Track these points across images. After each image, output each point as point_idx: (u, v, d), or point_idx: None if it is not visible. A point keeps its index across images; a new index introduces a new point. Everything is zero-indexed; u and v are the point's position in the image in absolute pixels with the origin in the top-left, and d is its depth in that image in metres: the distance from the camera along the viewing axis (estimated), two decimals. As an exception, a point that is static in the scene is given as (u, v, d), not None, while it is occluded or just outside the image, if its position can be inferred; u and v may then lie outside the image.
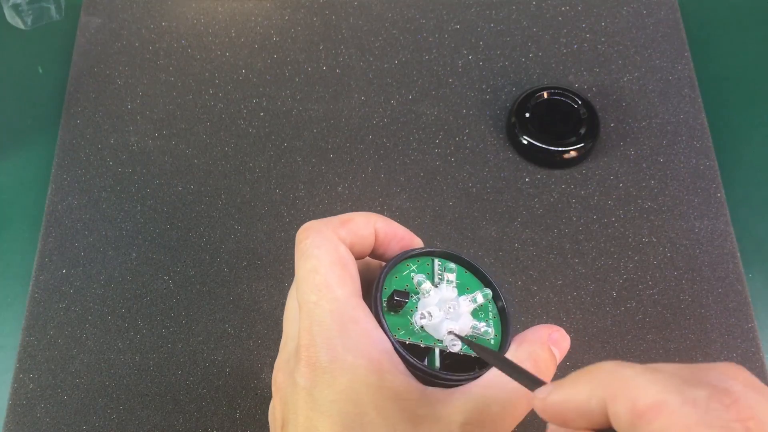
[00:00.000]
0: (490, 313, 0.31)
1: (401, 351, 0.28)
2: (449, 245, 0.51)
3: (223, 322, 0.49)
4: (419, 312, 0.29)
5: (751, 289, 0.51)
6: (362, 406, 0.26)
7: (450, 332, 0.29)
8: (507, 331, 0.30)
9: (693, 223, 0.53)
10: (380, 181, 0.54)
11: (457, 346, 0.29)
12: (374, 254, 0.32)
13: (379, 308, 0.29)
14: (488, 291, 0.30)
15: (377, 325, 0.28)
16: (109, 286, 0.50)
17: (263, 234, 0.52)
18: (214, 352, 0.48)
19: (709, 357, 0.48)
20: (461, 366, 0.29)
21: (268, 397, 0.47)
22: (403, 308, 0.29)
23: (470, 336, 0.29)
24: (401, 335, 0.28)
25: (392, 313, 0.29)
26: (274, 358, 0.48)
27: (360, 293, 0.29)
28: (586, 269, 0.51)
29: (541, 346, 0.29)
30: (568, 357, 0.48)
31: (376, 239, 0.31)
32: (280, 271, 0.50)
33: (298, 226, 0.51)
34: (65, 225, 0.51)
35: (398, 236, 0.31)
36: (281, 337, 0.50)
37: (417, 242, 0.32)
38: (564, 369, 0.48)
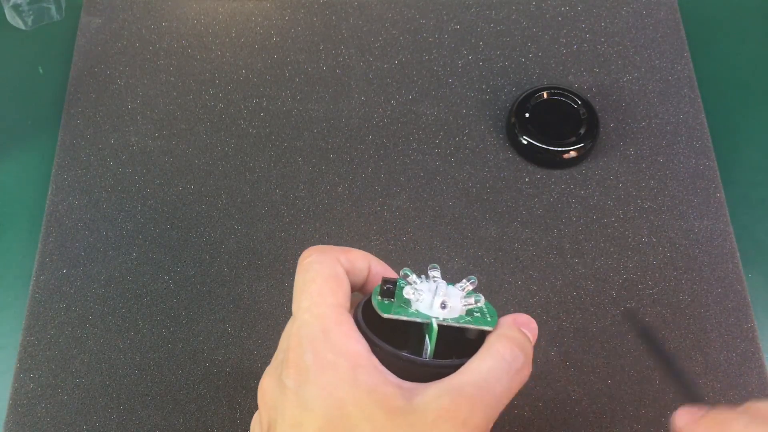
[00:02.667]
0: (482, 297, 0.32)
1: (380, 344, 0.29)
2: (449, 245, 0.52)
3: (223, 322, 0.49)
4: (410, 287, 0.30)
5: (750, 289, 0.51)
6: (342, 401, 0.27)
7: (443, 303, 0.30)
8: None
9: (692, 223, 0.53)
10: (380, 181, 0.54)
11: (455, 312, 0.30)
12: (363, 290, 0.34)
13: (359, 309, 0.30)
14: (473, 277, 0.31)
15: (357, 329, 0.30)
16: (110, 286, 0.50)
17: (263, 234, 0.52)
18: (214, 352, 0.48)
19: (708, 357, 0.48)
20: (452, 354, 0.30)
21: (268, 397, 0.47)
22: (395, 294, 0.31)
23: (467, 311, 0.31)
24: (397, 312, 0.30)
25: (386, 300, 0.30)
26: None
27: (348, 307, 0.31)
28: (586, 269, 0.51)
29: (508, 327, 0.31)
30: (568, 356, 0.48)
31: (368, 275, 0.33)
32: (280, 271, 0.50)
33: (298, 226, 0.52)
34: (65, 225, 0.52)
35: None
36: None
37: None
38: (564, 368, 0.48)
